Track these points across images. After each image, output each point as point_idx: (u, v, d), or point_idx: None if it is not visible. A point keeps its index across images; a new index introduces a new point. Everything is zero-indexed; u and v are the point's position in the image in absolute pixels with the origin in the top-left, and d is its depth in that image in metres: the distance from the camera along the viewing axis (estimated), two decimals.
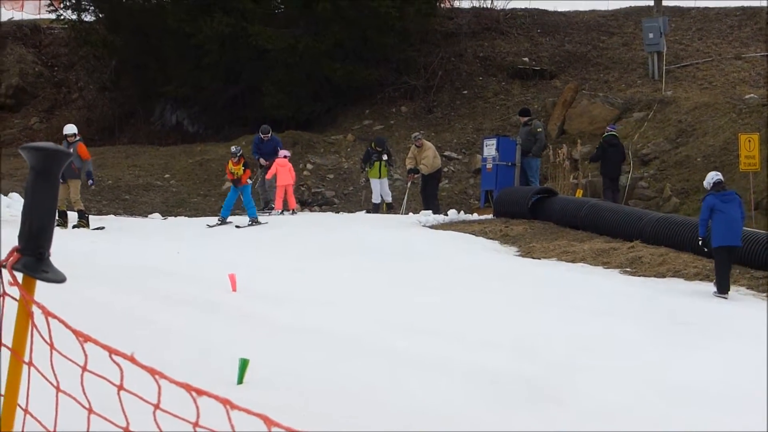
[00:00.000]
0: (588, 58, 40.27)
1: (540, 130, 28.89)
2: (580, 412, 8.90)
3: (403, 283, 16.27)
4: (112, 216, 23.94)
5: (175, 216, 26.66)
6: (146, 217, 26.06)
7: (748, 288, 16.94)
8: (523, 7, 46.01)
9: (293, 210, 27.43)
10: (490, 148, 28.40)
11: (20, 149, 2.78)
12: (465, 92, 39.56)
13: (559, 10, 45.55)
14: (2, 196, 26.09)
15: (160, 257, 17.95)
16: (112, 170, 31.96)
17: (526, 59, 40.78)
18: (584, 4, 45.86)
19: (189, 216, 26.84)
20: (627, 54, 39.97)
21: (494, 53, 41.52)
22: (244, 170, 25.35)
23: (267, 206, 27.99)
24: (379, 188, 28.62)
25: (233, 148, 26.35)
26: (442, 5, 44.99)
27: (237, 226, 24.61)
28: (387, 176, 28.89)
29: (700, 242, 16.97)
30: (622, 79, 38.07)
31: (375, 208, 28.51)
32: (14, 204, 25.36)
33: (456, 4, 46.02)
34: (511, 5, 45.48)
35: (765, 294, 16.36)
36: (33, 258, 2.71)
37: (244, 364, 9.21)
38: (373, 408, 8.69)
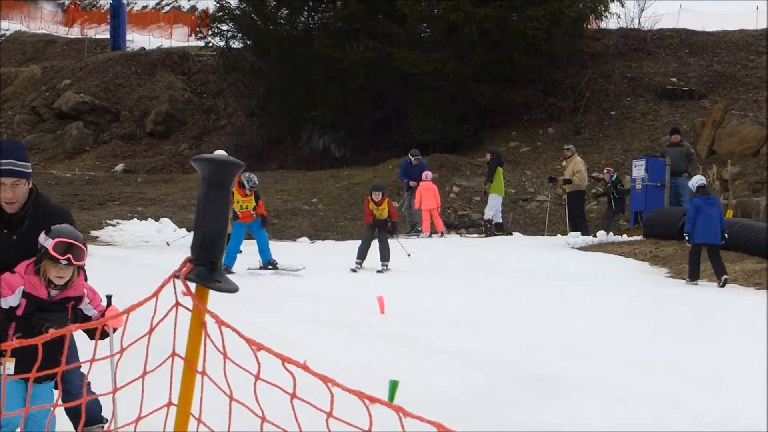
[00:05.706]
0: (737, 77, 39.60)
1: (693, 150, 28.44)
2: None
3: (553, 304, 16.15)
4: None
5: (323, 240, 26.93)
6: (295, 240, 26.36)
7: None
8: (670, 27, 45.58)
9: (441, 233, 27.47)
10: (639, 169, 28.02)
11: (192, 160, 2.83)
12: (612, 113, 39.20)
13: (708, 30, 44.94)
14: (151, 221, 26.51)
15: (309, 280, 18.19)
16: (261, 195, 32.39)
17: (674, 79, 40.26)
18: (733, 23, 45.23)
19: (336, 240, 27.04)
20: None
21: (642, 74, 41.11)
22: (257, 202, 20.03)
23: (414, 229, 28.02)
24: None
25: (247, 176, 19.81)
26: (589, 26, 44.73)
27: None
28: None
29: (685, 237, 19.50)
30: None
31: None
32: (165, 229, 25.73)
33: (603, 25, 45.73)
34: (658, 26, 45.06)
35: None
36: (206, 268, 2.74)
37: (394, 386, 9.22)
38: None
